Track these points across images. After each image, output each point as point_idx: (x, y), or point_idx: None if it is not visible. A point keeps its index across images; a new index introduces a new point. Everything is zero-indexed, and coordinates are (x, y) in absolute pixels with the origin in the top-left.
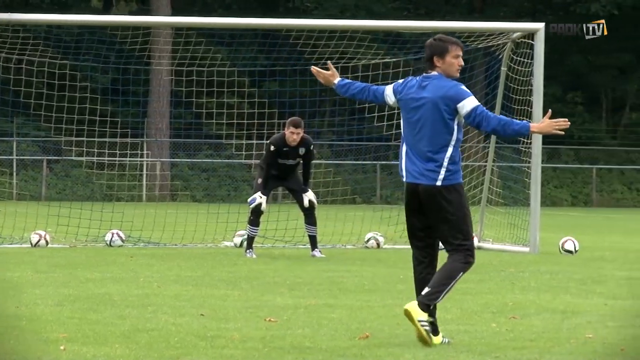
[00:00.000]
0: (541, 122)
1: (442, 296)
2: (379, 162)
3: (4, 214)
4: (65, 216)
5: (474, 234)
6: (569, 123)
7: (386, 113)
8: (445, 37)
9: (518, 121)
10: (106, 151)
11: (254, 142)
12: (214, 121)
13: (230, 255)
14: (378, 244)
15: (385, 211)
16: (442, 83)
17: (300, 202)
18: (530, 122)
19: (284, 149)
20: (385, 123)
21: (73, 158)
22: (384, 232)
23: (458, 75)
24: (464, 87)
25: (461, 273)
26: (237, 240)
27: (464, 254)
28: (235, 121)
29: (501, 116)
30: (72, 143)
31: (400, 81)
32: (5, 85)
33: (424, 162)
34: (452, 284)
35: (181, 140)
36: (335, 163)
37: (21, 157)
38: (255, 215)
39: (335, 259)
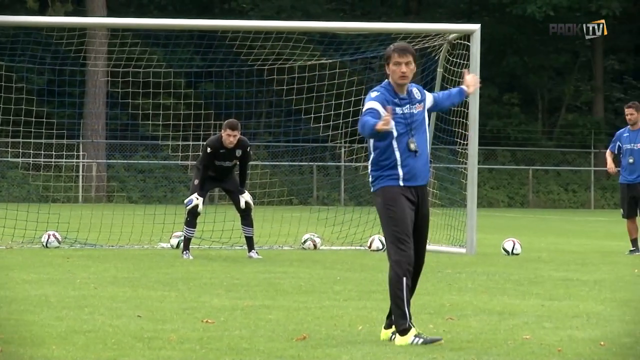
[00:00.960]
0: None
1: (404, 309)
2: (316, 164)
3: None
4: (1, 217)
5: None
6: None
7: (322, 114)
8: (395, 44)
9: (372, 120)
10: (42, 152)
11: (190, 143)
12: (150, 122)
13: (166, 257)
14: (315, 245)
15: (322, 212)
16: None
17: (236, 203)
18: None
19: (221, 150)
20: (321, 124)
21: (9, 159)
22: (321, 233)
23: (402, 82)
24: (372, 94)
25: (395, 282)
26: (174, 241)
27: (390, 265)
28: (171, 122)
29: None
30: (8, 144)
31: None
32: None
33: None
34: (396, 294)
35: (117, 141)
36: (271, 164)
37: None
38: (192, 216)
39: (272, 260)
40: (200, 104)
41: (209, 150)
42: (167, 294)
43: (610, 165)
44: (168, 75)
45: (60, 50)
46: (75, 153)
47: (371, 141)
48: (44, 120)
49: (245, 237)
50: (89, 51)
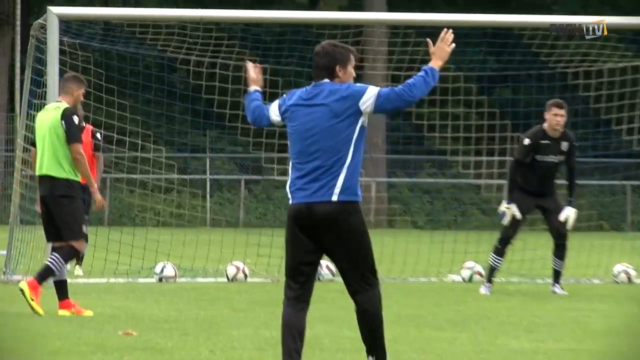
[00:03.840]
0: (432, 53)
1: None
2: (630, 183)
3: (196, 242)
4: (267, 245)
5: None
6: (451, 33)
7: (637, 125)
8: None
9: (418, 76)
10: None
11: (484, 158)
12: (436, 134)
13: (457, 291)
14: (629, 278)
15: (637, 240)
16: None
17: (553, 226)
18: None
19: (542, 141)
20: (635, 136)
21: (275, 177)
22: (637, 264)
23: None
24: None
25: None
26: (466, 273)
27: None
28: (461, 134)
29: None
30: (274, 160)
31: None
32: (196, 93)
33: None
34: None
35: (399, 156)
36: (578, 183)
37: (215, 177)
38: (503, 242)
39: (580, 295)
40: (495, 112)
41: (526, 142)
42: (457, 335)
43: None
44: (457, 80)
45: None
46: None
47: (358, 134)
48: None
49: (554, 270)
50: (367, 52)
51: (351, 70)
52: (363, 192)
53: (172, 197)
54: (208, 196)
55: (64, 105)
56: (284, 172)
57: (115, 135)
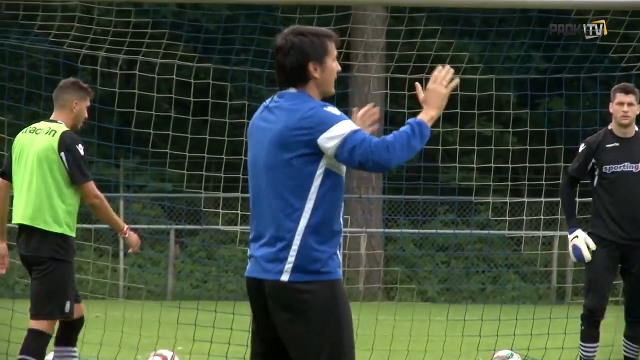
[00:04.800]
0: (423, 101)
1: None
2: None
3: (103, 321)
4: (208, 326)
5: None
6: (450, 68)
7: None
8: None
9: (401, 132)
10: None
11: (525, 199)
12: (456, 165)
13: None
14: None
15: None
16: None
17: (626, 295)
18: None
19: (608, 145)
20: None
21: (219, 227)
22: None
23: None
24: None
25: None
26: None
27: None
28: (492, 165)
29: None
30: (219, 202)
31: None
32: (106, 106)
33: None
34: None
35: (401, 197)
36: None
37: (133, 226)
38: (589, 320)
39: None
40: (542, 133)
41: (582, 147)
42: None
43: None
44: (487, 85)
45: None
46: None
47: (321, 183)
48: None
49: (626, 358)
50: (356, 45)
51: (332, 65)
52: (348, 248)
53: None
54: (122, 254)
55: (62, 128)
56: (232, 220)
57: None
